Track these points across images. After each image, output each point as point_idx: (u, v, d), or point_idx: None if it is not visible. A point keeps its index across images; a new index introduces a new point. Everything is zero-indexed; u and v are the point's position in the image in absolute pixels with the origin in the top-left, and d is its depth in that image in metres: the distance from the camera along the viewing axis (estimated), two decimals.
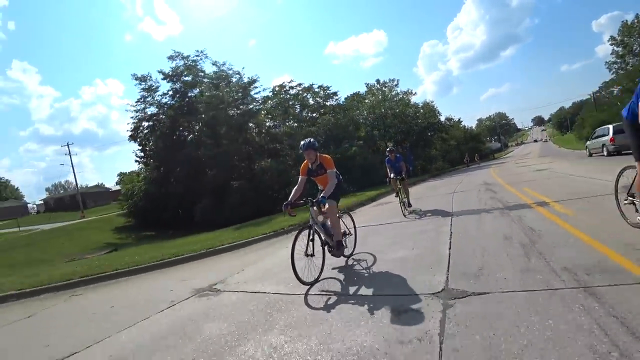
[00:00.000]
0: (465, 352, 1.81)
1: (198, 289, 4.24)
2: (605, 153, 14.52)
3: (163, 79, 25.08)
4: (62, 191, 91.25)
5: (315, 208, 3.93)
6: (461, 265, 3.25)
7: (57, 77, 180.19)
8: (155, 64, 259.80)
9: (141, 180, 22.77)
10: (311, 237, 3.74)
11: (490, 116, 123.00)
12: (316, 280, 3.64)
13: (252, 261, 5.48)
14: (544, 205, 5.42)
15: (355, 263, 4.23)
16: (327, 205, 4.00)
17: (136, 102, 25.08)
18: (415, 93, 51.39)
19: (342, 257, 4.18)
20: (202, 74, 25.17)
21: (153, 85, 24.81)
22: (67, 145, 48.16)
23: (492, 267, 3.01)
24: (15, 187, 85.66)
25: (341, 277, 3.79)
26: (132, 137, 26.32)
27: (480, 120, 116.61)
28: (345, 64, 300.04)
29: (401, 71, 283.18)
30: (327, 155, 4.26)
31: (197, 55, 25.24)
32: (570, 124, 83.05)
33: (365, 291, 3.10)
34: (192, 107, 24.59)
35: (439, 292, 2.71)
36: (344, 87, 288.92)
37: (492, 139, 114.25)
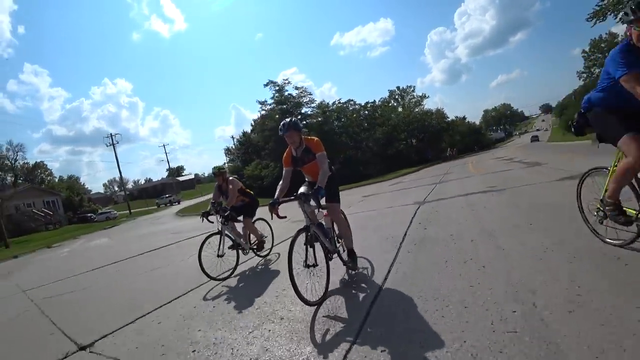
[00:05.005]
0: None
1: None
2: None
3: (275, 103, 42.58)
4: (116, 187, 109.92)
5: (312, 203, 3.27)
6: None
7: (67, 79, 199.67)
8: (163, 61, 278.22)
9: (274, 169, 40.30)
10: (310, 243, 3.17)
11: (496, 107, 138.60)
12: (323, 299, 3.14)
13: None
14: (469, 163, 22.49)
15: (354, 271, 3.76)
16: (330, 205, 3.63)
17: (259, 117, 42.98)
18: (428, 96, 68.03)
19: (337, 261, 3.72)
20: (290, 96, 42.75)
21: (271, 107, 42.41)
22: (164, 145, 66.00)
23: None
24: (82, 183, 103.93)
25: (344, 295, 3.24)
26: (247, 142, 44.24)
27: (486, 112, 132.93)
28: (352, 54, 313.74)
29: (408, 60, 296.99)
30: (314, 137, 3.70)
31: (283, 82, 42.78)
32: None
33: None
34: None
35: None
36: (351, 79, 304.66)
37: (498, 129, 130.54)
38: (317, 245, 3.30)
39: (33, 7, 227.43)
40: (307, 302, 3.00)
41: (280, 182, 3.60)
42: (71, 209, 48.64)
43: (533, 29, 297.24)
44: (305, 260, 3.15)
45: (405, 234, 5.11)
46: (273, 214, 3.43)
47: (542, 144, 44.93)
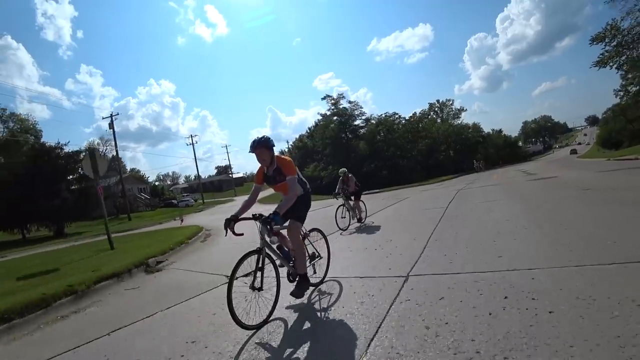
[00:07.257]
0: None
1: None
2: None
3: (332, 115, 51.79)
4: (169, 181, 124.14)
5: (267, 227, 3.28)
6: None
7: (117, 79, 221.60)
8: (205, 64, 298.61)
9: (325, 169, 49.40)
10: (260, 265, 3.24)
11: (535, 119, 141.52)
12: (264, 322, 3.20)
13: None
14: (494, 174, 30.37)
15: (319, 296, 3.77)
16: (289, 225, 3.60)
17: (314, 125, 52.55)
18: (466, 110, 75.01)
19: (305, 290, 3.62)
20: (346, 109, 51.79)
21: (328, 118, 51.71)
22: (226, 147, 76.85)
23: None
24: (144, 175, 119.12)
25: (297, 320, 3.25)
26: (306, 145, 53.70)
27: (525, 123, 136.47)
28: (389, 60, 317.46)
29: (446, 67, 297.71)
30: (286, 157, 3.72)
31: (338, 96, 51.90)
32: None
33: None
34: (347, 129, 51.28)
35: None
36: (387, 85, 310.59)
37: (537, 141, 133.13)
38: (269, 270, 3.37)
39: (91, 13, 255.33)
40: (242, 326, 3.01)
41: (247, 197, 3.73)
42: (155, 195, 60.01)
43: (582, 34, 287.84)
44: (252, 282, 3.19)
45: (453, 197, 13.61)
46: (228, 230, 3.32)
47: (572, 158, 50.22)
